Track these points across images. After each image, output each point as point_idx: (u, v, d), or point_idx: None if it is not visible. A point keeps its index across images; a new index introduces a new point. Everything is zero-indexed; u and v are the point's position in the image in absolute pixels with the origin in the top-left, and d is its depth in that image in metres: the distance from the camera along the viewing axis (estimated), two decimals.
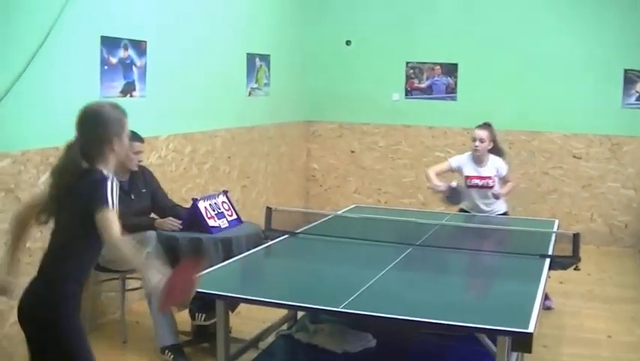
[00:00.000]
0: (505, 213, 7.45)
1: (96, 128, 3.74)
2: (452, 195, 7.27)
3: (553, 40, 10.02)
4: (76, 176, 3.58)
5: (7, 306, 5.48)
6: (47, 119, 5.78)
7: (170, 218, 6.06)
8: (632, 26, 9.74)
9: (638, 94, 9.85)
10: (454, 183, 7.26)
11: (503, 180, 7.46)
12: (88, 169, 3.64)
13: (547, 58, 10.06)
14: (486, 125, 7.40)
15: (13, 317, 5.49)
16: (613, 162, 10.02)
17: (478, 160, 7.34)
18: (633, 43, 9.76)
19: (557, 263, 5.23)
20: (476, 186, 7.32)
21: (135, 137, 6.08)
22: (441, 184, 7.25)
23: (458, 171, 7.45)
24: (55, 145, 5.84)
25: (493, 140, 7.38)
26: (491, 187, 7.30)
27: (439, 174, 7.43)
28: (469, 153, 7.46)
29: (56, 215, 3.63)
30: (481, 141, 7.27)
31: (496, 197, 7.30)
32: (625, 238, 10.08)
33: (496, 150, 7.44)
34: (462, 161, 7.45)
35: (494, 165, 7.37)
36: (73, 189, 3.57)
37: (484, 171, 7.32)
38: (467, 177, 7.34)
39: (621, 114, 9.89)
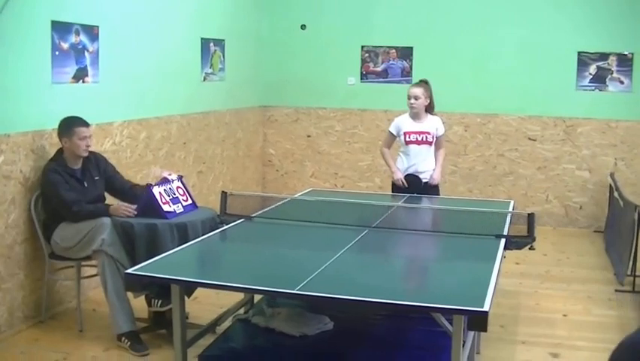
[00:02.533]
0: (437, 186, 7.54)
1: None
2: (411, 183, 7.30)
3: (508, 23, 10.06)
4: None
5: None
6: None
7: (125, 204, 6.02)
8: (585, 9, 9.81)
9: (591, 76, 9.92)
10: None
11: (437, 142, 7.48)
12: None
13: (502, 41, 10.11)
14: (422, 83, 7.48)
15: None
16: (568, 144, 10.09)
17: (415, 117, 7.38)
18: (586, 26, 9.83)
19: (513, 243, 5.24)
20: (415, 142, 7.36)
21: (79, 122, 6.02)
22: (399, 174, 7.35)
23: (398, 131, 7.46)
24: (7, 132, 5.79)
25: (430, 97, 7.41)
26: (430, 143, 7.37)
27: (390, 147, 7.58)
28: (406, 113, 7.48)
29: None
30: (416, 98, 7.32)
31: (434, 181, 7.42)
32: (580, 219, 10.17)
33: (430, 108, 7.47)
34: (399, 121, 7.49)
35: (434, 123, 7.43)
36: None
37: (423, 127, 7.37)
38: (405, 133, 7.37)
39: (575, 96, 9.97)
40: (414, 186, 7.31)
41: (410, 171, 7.39)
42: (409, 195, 7.14)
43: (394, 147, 7.61)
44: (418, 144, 7.35)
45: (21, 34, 5.94)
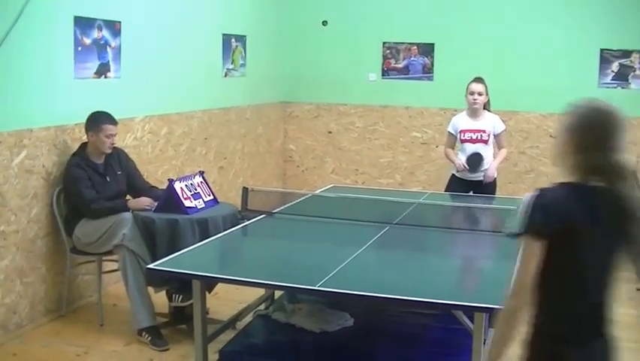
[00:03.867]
0: (494, 181, 7.42)
1: None
2: (471, 163, 7.22)
3: (529, 20, 10.01)
4: None
5: None
6: (21, 101, 5.74)
7: (144, 197, 6.05)
8: (608, 6, 9.74)
9: (613, 74, 9.85)
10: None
11: (497, 141, 7.39)
12: None
13: (524, 38, 10.05)
14: (481, 79, 7.35)
15: None
16: None
17: (473, 114, 7.29)
18: (609, 23, 9.76)
19: None
20: (470, 140, 7.26)
21: (107, 119, 6.05)
22: (461, 160, 7.29)
23: (456, 130, 7.37)
24: (29, 127, 5.82)
25: (487, 94, 7.32)
26: (485, 141, 7.25)
27: (453, 147, 7.47)
28: (464, 111, 7.41)
29: None
30: (479, 94, 7.20)
31: (489, 178, 7.29)
32: None
33: (488, 105, 7.39)
34: (456, 119, 7.41)
35: (491, 121, 7.32)
36: None
37: (479, 125, 7.26)
38: (461, 131, 7.28)
39: (597, 94, 9.68)
40: (474, 166, 7.22)
41: (466, 174, 7.32)
42: (463, 193, 7.14)
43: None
44: (473, 143, 7.25)
45: (44, 30, 5.97)
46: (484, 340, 3.94)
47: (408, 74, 10.52)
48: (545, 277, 2.79)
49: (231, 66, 9.25)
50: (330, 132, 10.98)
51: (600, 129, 2.92)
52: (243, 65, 9.55)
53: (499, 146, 7.46)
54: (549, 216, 2.78)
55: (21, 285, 5.86)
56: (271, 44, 10.52)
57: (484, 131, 7.24)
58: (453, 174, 7.50)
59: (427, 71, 10.46)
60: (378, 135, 10.80)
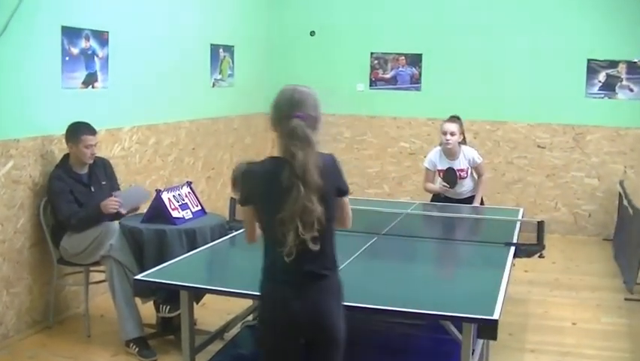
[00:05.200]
0: (473, 196, 7.41)
1: None
2: (449, 180, 7.20)
3: (517, 30, 10.05)
4: None
5: None
6: (8, 111, 5.72)
7: (112, 198, 5.96)
8: (595, 16, 9.79)
9: (601, 84, 9.90)
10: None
11: (476, 170, 7.37)
12: None
13: (511, 48, 10.09)
14: (455, 118, 7.30)
15: None
16: (577, 152, 10.07)
17: (449, 153, 7.24)
18: (596, 33, 9.81)
19: (522, 251, 5.24)
20: None
21: (86, 130, 6.02)
22: (438, 185, 7.32)
23: (434, 167, 7.34)
24: (16, 137, 5.79)
25: (462, 133, 7.29)
26: (465, 177, 7.26)
27: (432, 181, 7.41)
28: (439, 148, 7.36)
29: None
30: (452, 134, 7.13)
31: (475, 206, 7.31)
32: (589, 227, 10.13)
33: (463, 142, 7.37)
34: (434, 158, 7.34)
35: (467, 157, 7.28)
36: None
37: (457, 164, 7.23)
38: (440, 171, 7.26)
39: (585, 104, 9.94)
40: (452, 182, 7.19)
41: (447, 194, 7.33)
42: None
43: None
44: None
45: (31, 39, 5.95)
46: (473, 350, 3.94)
47: (396, 84, 10.55)
48: (262, 234, 3.50)
49: (219, 76, 9.25)
50: (318, 142, 10.95)
51: (283, 106, 3.52)
52: (231, 75, 9.55)
53: (477, 175, 7.42)
54: (246, 187, 3.49)
55: (7, 295, 5.83)
56: (259, 54, 10.53)
57: (462, 170, 7.25)
58: (434, 195, 7.53)
59: (415, 82, 10.49)
60: (366, 145, 10.82)
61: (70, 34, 6.39)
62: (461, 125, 7.27)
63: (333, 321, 3.48)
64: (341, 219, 3.62)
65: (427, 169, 7.40)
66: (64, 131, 6.09)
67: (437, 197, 7.42)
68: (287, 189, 3.29)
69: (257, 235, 3.58)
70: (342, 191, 3.56)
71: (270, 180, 3.36)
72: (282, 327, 3.44)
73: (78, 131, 5.99)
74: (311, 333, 3.46)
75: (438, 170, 7.27)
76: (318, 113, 3.59)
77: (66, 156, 6.09)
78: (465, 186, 7.33)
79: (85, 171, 6.10)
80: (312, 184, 3.30)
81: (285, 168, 3.32)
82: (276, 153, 3.44)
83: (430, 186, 7.42)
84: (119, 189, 6.39)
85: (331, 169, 3.49)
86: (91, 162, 6.09)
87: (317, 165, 3.35)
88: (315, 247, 3.32)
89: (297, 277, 3.39)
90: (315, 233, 3.31)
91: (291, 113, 3.45)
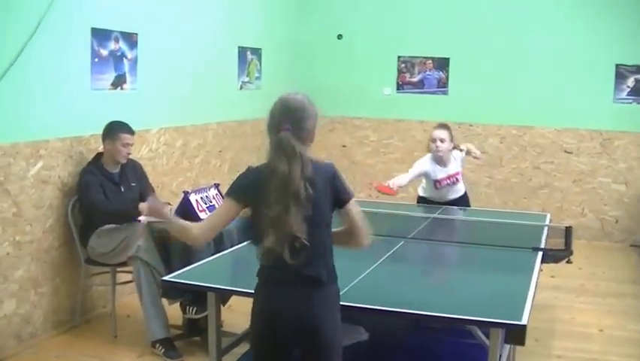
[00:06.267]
0: (465, 194, 7.40)
1: None
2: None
3: (544, 35, 10.01)
4: None
5: None
6: (38, 112, 5.76)
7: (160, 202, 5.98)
8: (624, 21, 9.73)
9: (629, 89, 9.84)
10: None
11: (467, 155, 7.30)
12: None
13: (539, 52, 10.05)
14: (444, 126, 7.22)
15: (3, 310, 5.49)
16: (604, 157, 10.02)
17: (441, 161, 7.12)
18: (624, 38, 9.76)
19: (550, 256, 5.22)
20: (447, 185, 7.18)
21: (124, 128, 6.07)
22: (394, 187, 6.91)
23: (425, 176, 7.22)
24: (46, 138, 5.84)
25: (452, 140, 7.17)
26: (459, 180, 7.22)
27: (402, 185, 7.03)
28: (429, 155, 7.20)
29: None
30: (442, 141, 7.02)
31: (478, 157, 7.39)
32: (616, 233, 10.08)
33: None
34: (426, 168, 7.16)
35: (456, 159, 7.23)
36: None
37: (450, 169, 7.16)
38: (437, 181, 7.14)
39: (613, 109, 9.89)
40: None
41: (437, 199, 7.25)
42: (443, 206, 7.09)
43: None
44: (450, 186, 7.22)
45: (61, 41, 6.00)
46: (500, 355, 3.92)
47: (423, 88, 10.54)
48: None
49: (247, 79, 9.27)
50: (344, 146, 10.99)
51: (275, 115, 3.58)
52: (258, 78, 9.58)
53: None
54: (242, 189, 3.50)
55: (35, 295, 5.87)
56: (286, 57, 10.55)
57: (457, 174, 7.20)
58: (420, 196, 7.45)
59: (442, 85, 10.46)
60: (392, 149, 10.81)
61: (100, 35, 6.43)
62: (451, 132, 7.17)
63: (325, 330, 3.47)
64: (351, 232, 3.62)
65: (414, 173, 7.17)
66: (92, 132, 6.15)
67: (424, 199, 7.38)
68: (274, 197, 3.34)
69: (207, 237, 3.60)
70: (343, 199, 3.53)
71: (264, 184, 3.38)
72: (269, 335, 3.47)
73: (117, 128, 6.05)
74: (301, 341, 3.47)
75: (435, 181, 7.14)
76: (309, 124, 3.58)
77: (99, 155, 6.15)
78: (455, 193, 7.29)
79: (116, 170, 6.14)
80: (297, 195, 3.32)
81: (271, 177, 3.37)
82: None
83: (399, 182, 6.96)
84: (153, 191, 6.44)
85: (327, 178, 3.48)
86: (124, 161, 6.14)
87: (305, 176, 3.35)
88: (301, 257, 3.34)
89: (287, 283, 3.42)
90: (299, 242, 3.33)
91: (280, 123, 3.51)
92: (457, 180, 7.22)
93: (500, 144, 10.27)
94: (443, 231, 6.25)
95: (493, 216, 6.98)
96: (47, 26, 5.76)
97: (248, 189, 3.47)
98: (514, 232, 6.24)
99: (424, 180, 7.35)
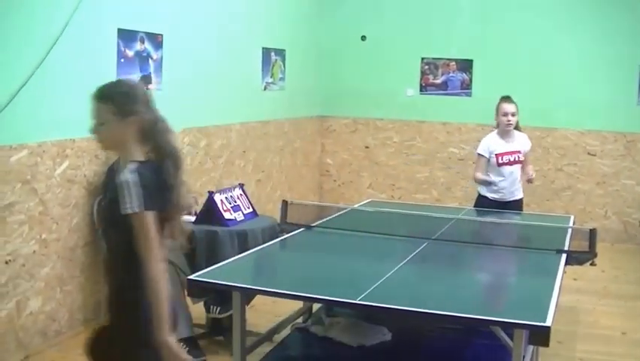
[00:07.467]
0: (521, 200, 7.29)
1: None
2: None
3: (567, 36, 10.00)
4: None
5: (23, 297, 5.51)
6: (64, 111, 5.80)
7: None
8: None
9: None
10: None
11: (525, 157, 7.18)
12: None
13: (562, 54, 10.04)
14: (511, 98, 7.13)
15: (29, 308, 5.54)
16: (628, 159, 9.99)
17: (506, 135, 7.06)
18: None
19: (574, 258, 5.20)
20: (508, 163, 7.03)
21: None
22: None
23: (490, 153, 7.07)
24: (72, 137, 5.88)
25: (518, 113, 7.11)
26: (521, 162, 7.08)
27: (483, 172, 7.12)
28: (494, 132, 7.18)
29: None
30: (513, 115, 6.98)
31: (531, 181, 7.17)
32: (639, 236, 10.04)
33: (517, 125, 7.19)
34: (489, 142, 7.10)
35: (523, 140, 7.17)
36: None
37: (514, 146, 7.06)
38: (498, 155, 7.01)
39: (636, 111, 9.86)
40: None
41: (497, 196, 7.12)
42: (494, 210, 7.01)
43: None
44: (511, 165, 7.04)
45: (88, 41, 6.05)
46: (524, 356, 3.93)
47: (446, 89, 10.54)
48: None
49: (270, 80, 9.30)
50: (367, 147, 11.01)
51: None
52: (282, 79, 9.60)
53: (526, 164, 7.23)
54: None
55: (60, 293, 5.92)
56: (310, 58, 10.58)
57: (519, 152, 7.07)
58: (480, 195, 7.29)
59: (466, 87, 10.47)
60: (415, 151, 10.82)
61: (126, 36, 6.47)
62: (517, 105, 7.10)
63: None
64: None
65: (480, 156, 7.14)
66: None
67: (480, 202, 7.32)
68: None
69: None
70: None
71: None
72: None
73: None
74: None
75: (496, 154, 7.03)
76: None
77: None
78: (516, 189, 7.18)
79: None
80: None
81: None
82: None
83: (480, 176, 7.14)
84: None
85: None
86: None
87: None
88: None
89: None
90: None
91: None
92: (519, 159, 7.07)
93: None
94: (467, 232, 6.23)
95: (517, 217, 6.97)
96: (74, 27, 5.81)
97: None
98: (537, 234, 6.23)
99: (489, 176, 7.15)
